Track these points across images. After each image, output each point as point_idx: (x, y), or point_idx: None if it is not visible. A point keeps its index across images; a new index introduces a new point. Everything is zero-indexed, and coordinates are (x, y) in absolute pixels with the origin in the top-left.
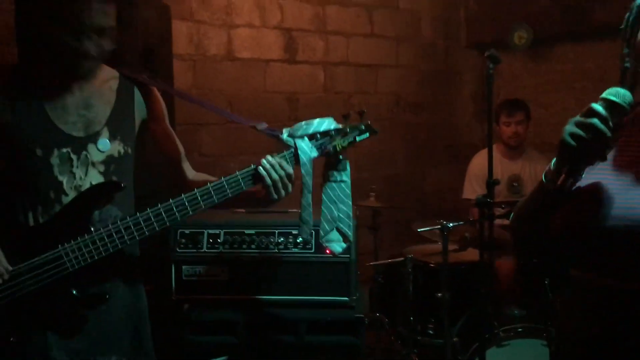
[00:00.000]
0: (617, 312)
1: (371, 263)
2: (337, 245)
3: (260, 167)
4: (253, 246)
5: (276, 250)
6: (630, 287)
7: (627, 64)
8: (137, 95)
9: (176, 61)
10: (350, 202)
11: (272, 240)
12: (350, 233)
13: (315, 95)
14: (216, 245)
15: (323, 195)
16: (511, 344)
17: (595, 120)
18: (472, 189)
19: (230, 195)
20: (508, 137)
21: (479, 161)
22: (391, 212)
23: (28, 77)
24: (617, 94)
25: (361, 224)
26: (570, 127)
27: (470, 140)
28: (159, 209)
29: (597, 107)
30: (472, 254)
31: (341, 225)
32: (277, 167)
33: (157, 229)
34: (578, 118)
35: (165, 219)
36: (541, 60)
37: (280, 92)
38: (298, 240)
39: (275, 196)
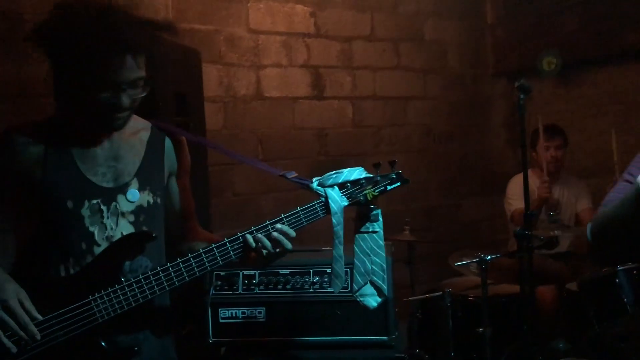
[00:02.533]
0: None
1: (409, 298)
2: (371, 300)
3: (251, 238)
4: (288, 286)
5: (311, 290)
6: None
7: None
8: (168, 146)
9: (207, 104)
10: (384, 254)
11: (307, 280)
12: (385, 287)
13: (345, 130)
14: (252, 287)
15: (355, 247)
16: None
17: None
18: (518, 200)
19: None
20: (547, 161)
21: (517, 180)
22: (427, 244)
23: (61, 130)
24: None
25: (396, 258)
26: None
27: (503, 169)
28: (189, 258)
29: None
30: (511, 286)
31: (375, 278)
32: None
33: (187, 279)
34: None
35: (196, 269)
36: (572, 85)
37: (309, 129)
38: None
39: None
